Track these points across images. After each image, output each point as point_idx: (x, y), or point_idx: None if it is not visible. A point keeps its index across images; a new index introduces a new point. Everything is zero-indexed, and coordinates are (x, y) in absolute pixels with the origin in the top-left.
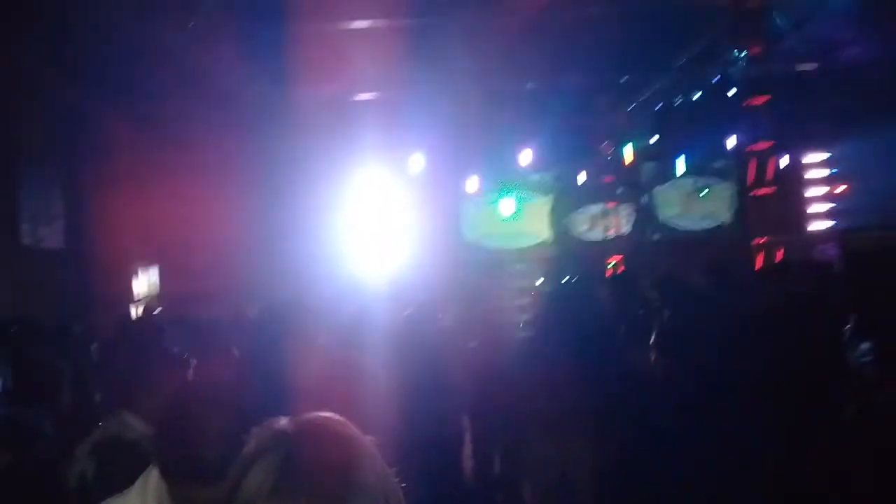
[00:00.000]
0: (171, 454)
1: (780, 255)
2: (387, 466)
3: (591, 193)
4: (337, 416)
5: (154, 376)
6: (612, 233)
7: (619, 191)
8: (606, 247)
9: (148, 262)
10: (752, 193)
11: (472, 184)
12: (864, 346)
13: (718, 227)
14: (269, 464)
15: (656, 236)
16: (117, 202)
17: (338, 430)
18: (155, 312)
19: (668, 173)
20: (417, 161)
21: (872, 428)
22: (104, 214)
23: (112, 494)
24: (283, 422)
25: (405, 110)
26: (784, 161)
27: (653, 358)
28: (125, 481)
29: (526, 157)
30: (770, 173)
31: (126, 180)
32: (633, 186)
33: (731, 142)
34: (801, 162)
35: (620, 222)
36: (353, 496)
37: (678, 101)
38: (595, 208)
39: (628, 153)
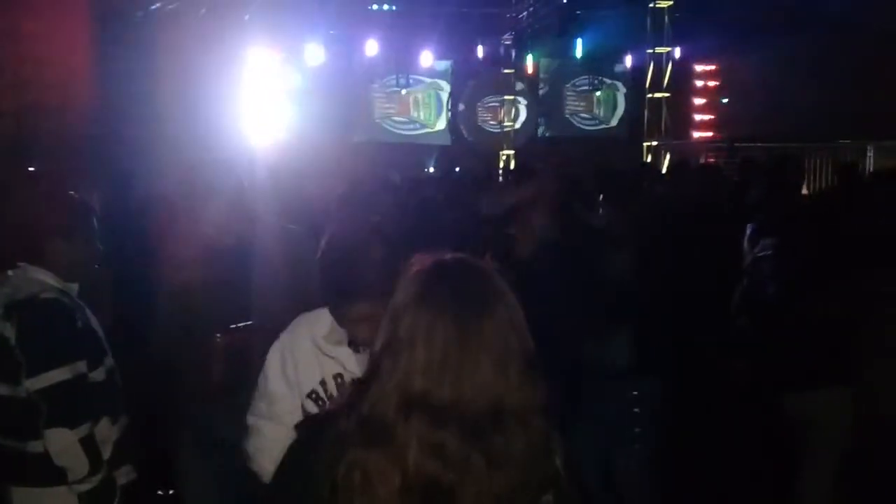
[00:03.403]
0: (341, 275)
1: (668, 158)
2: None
3: (490, 85)
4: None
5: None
6: (506, 126)
7: (516, 84)
8: (501, 138)
9: None
10: (647, 96)
11: (371, 66)
12: (766, 241)
13: (611, 127)
14: (417, 278)
15: (549, 132)
16: None
17: (473, 260)
18: None
19: (565, 71)
20: (315, 51)
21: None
22: None
23: (42, 359)
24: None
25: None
26: (679, 68)
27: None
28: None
29: (427, 58)
30: (666, 78)
31: None
32: (531, 81)
33: (631, 44)
34: (694, 70)
35: (515, 116)
36: (494, 301)
37: None
38: (492, 100)
39: (529, 62)
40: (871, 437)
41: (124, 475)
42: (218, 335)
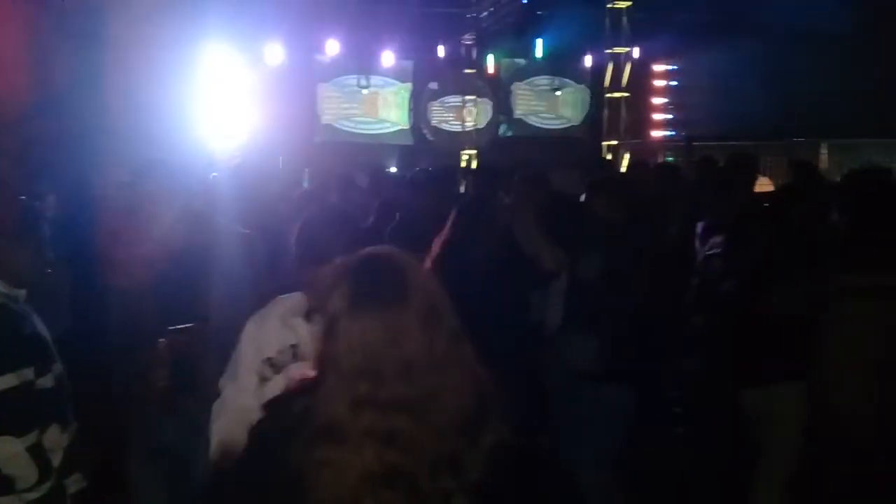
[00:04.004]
0: (314, 244)
1: (627, 157)
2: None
3: (450, 84)
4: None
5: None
6: (468, 125)
7: (477, 84)
8: (462, 139)
9: None
10: (606, 96)
11: (332, 64)
12: (714, 240)
13: (571, 126)
14: (343, 291)
15: (510, 132)
16: None
17: (391, 254)
18: None
19: (526, 70)
20: (275, 45)
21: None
22: None
23: None
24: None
25: None
26: (637, 68)
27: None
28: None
29: (388, 41)
30: (624, 78)
31: None
32: (492, 81)
33: (590, 44)
34: (652, 70)
35: (477, 115)
36: (413, 292)
37: None
38: (453, 99)
39: (490, 63)
40: (825, 431)
41: (74, 483)
42: (161, 339)
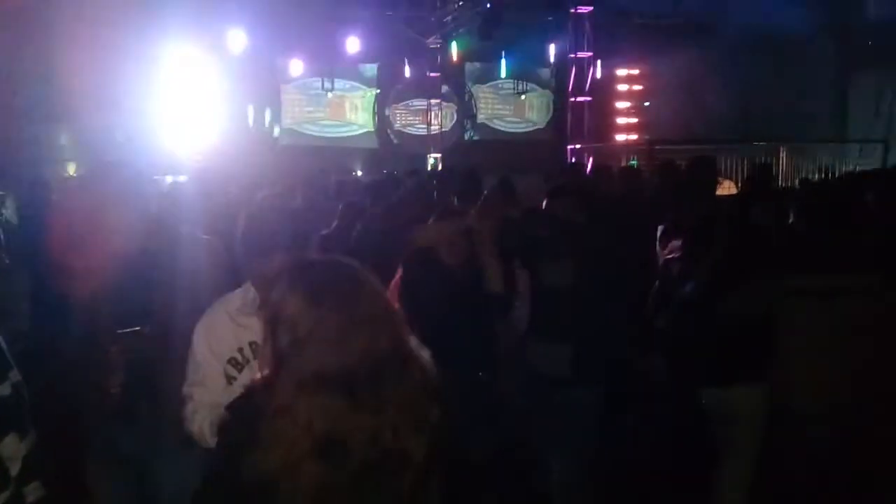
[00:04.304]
0: (260, 236)
1: (591, 161)
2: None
3: (415, 88)
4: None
5: None
6: (433, 129)
7: (442, 87)
8: (427, 141)
9: None
10: (570, 100)
11: (296, 67)
12: (674, 243)
13: (536, 130)
14: (298, 289)
15: (475, 135)
16: None
17: (344, 260)
18: None
19: (490, 74)
20: (237, 38)
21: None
22: None
23: None
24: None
25: None
26: (601, 72)
27: None
28: None
29: (353, 44)
30: (588, 82)
31: None
32: (457, 85)
33: (553, 48)
34: (615, 75)
35: (442, 119)
36: (360, 290)
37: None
38: (418, 103)
39: (454, 51)
40: (783, 430)
41: (33, 492)
42: (114, 346)
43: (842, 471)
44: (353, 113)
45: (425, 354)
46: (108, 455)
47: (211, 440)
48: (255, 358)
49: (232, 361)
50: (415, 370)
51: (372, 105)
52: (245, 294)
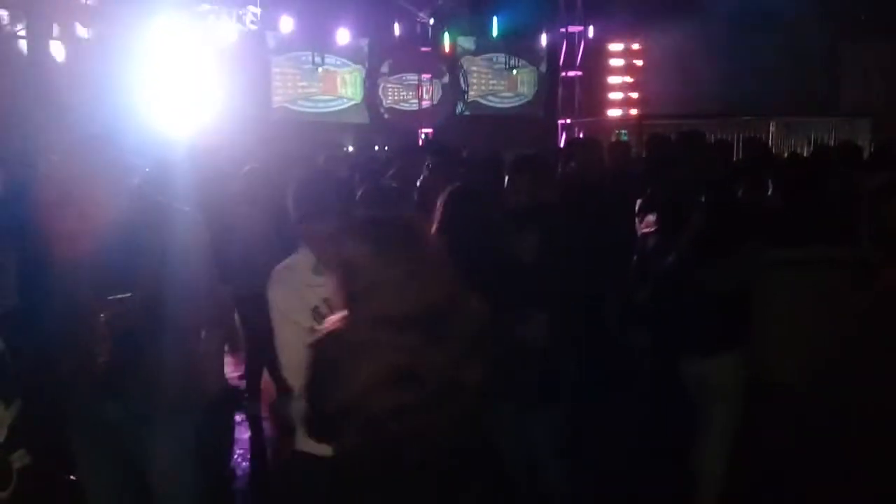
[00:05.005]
0: (313, 200)
1: (581, 134)
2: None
3: (406, 63)
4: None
5: None
6: (424, 104)
7: (433, 63)
8: (419, 117)
9: None
10: (561, 74)
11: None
12: (649, 217)
13: (527, 105)
14: (365, 245)
15: (466, 111)
16: None
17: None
18: None
19: (481, 48)
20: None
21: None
22: None
23: None
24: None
25: None
26: (592, 47)
27: None
28: None
29: (343, 36)
30: (579, 57)
31: None
32: (447, 59)
33: (545, 22)
34: (606, 49)
35: (433, 94)
36: (423, 242)
37: None
38: (409, 78)
39: (447, 42)
40: (763, 399)
41: (19, 459)
42: (101, 315)
43: (820, 438)
44: (343, 88)
45: (475, 299)
46: (94, 423)
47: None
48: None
49: (315, 310)
50: (468, 311)
51: (362, 80)
52: (305, 258)
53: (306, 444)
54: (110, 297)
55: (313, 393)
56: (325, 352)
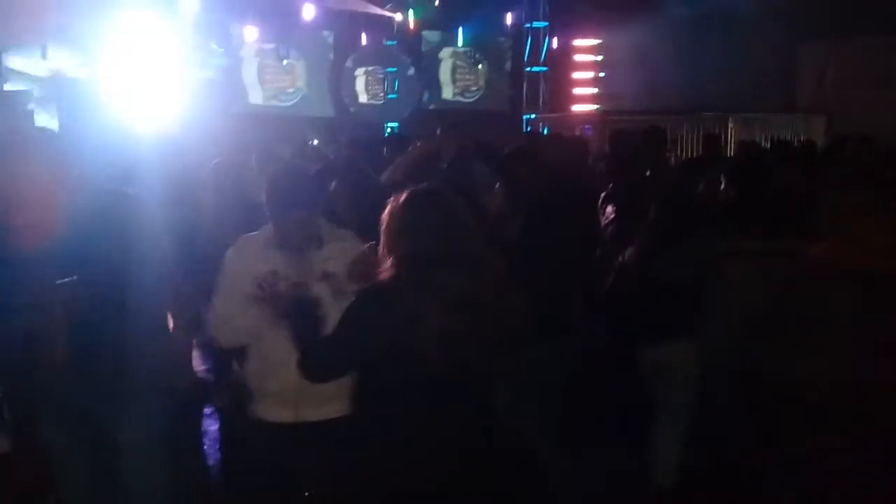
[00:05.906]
0: (286, 191)
1: (544, 130)
2: None
3: (372, 56)
4: None
5: None
6: (390, 97)
7: (398, 56)
8: (385, 110)
9: None
10: (525, 70)
11: (250, 34)
12: (608, 208)
13: (493, 99)
14: (406, 205)
15: (431, 105)
16: None
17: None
18: None
19: (447, 43)
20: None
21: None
22: None
23: None
24: None
25: None
26: (556, 43)
27: None
28: None
29: (308, 11)
30: (544, 53)
31: None
32: (413, 53)
33: (510, 18)
34: (571, 45)
35: (399, 87)
36: (446, 204)
37: None
38: (375, 71)
39: (410, 19)
40: (717, 384)
41: None
42: (55, 301)
43: (771, 423)
44: (309, 81)
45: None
46: (64, 409)
47: (221, 344)
48: (272, 287)
49: (256, 281)
50: (493, 255)
51: (328, 73)
52: (265, 233)
53: (266, 412)
54: (58, 282)
55: (357, 333)
56: (379, 290)
